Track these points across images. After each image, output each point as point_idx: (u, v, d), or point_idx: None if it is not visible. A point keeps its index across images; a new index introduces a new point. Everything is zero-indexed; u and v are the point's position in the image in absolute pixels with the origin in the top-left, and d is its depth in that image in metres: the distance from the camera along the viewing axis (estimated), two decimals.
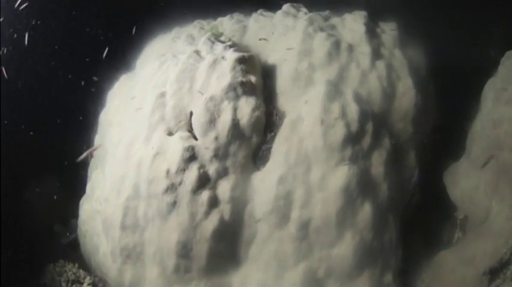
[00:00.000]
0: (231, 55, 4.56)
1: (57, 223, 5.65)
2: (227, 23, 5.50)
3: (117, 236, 4.36)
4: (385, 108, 4.48)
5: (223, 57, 4.60)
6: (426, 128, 4.74)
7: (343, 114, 4.16)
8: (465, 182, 4.45)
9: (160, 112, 4.54)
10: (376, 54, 4.73)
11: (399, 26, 5.14)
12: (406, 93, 4.57)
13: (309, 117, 4.21)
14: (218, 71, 4.49)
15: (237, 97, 4.36)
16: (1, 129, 5.13)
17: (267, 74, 4.69)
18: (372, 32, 4.89)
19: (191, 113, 4.48)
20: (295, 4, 5.36)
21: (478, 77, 4.71)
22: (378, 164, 4.24)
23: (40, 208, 5.70)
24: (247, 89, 4.40)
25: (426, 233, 4.64)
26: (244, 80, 4.42)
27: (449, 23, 5.01)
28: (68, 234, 5.53)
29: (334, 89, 4.31)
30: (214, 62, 4.56)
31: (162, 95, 4.62)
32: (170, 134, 4.46)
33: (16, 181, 5.36)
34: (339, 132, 4.12)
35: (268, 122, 4.44)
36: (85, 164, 5.45)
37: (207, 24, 5.61)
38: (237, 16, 5.61)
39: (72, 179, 5.64)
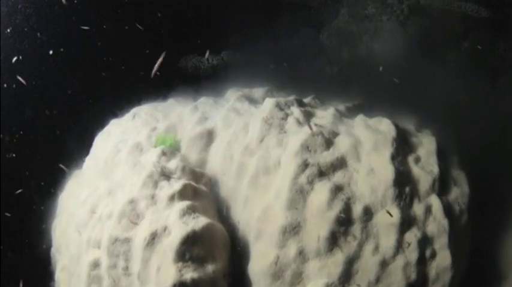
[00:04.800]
0: (177, 230, 2.95)
1: None
2: (188, 121, 3.70)
3: None
4: None
5: (165, 229, 3.02)
6: None
7: None
8: None
9: None
10: (407, 221, 2.96)
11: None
12: (440, 278, 2.97)
13: None
14: (158, 259, 2.98)
15: None
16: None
17: (238, 246, 3.14)
18: (402, 176, 3.02)
19: None
20: (282, 102, 3.42)
21: None
22: None
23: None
24: None
25: None
26: (196, 277, 2.89)
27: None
28: None
29: None
30: (153, 239, 3.01)
31: (96, 264, 3.32)
32: None
33: None
34: None
35: None
36: None
37: (163, 118, 3.77)
38: (202, 107, 3.78)
39: None
